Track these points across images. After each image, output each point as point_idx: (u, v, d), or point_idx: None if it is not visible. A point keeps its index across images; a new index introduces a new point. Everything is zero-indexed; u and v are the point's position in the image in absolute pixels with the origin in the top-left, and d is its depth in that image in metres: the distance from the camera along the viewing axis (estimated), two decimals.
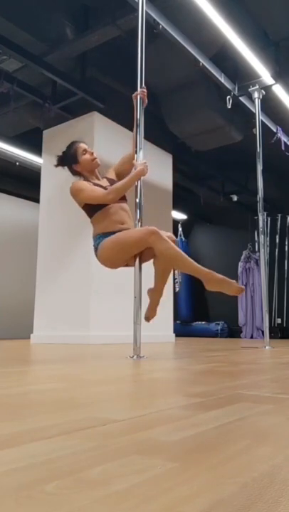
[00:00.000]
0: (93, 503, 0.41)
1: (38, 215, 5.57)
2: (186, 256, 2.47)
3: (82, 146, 2.72)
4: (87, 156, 2.69)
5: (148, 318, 2.62)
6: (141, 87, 2.82)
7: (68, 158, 2.71)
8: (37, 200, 5.84)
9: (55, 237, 5.26)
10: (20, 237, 7.86)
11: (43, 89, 4.96)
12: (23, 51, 4.14)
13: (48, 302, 5.17)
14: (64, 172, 5.73)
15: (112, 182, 2.70)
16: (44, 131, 5.62)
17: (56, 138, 5.50)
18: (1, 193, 7.69)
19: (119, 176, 2.79)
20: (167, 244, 2.40)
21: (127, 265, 2.63)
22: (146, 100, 2.82)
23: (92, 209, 2.61)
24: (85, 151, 2.70)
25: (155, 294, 2.62)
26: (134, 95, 2.83)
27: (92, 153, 2.71)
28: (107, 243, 2.51)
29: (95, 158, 2.70)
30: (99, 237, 2.57)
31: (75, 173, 2.74)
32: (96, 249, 2.59)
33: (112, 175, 2.81)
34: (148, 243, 2.42)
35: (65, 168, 2.77)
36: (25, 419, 0.80)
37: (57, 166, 2.77)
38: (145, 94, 2.80)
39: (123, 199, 2.68)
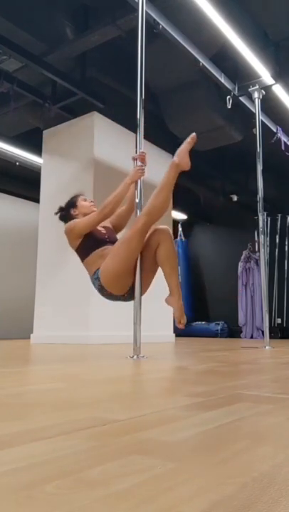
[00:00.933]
0: (93, 503, 0.41)
1: (38, 215, 5.57)
2: (159, 187, 2.52)
3: (83, 196, 2.84)
4: (86, 202, 2.77)
5: (180, 323, 2.50)
6: (140, 151, 2.74)
7: (68, 204, 2.79)
8: (37, 200, 5.83)
9: (55, 237, 5.26)
10: (20, 237, 7.86)
11: (43, 89, 4.96)
12: (23, 51, 4.14)
13: (48, 302, 5.17)
14: (64, 173, 5.74)
15: (107, 229, 2.71)
16: (44, 131, 5.62)
17: (56, 138, 5.51)
18: (1, 193, 7.69)
19: (116, 227, 2.82)
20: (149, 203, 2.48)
21: (131, 289, 2.54)
22: (146, 162, 2.75)
23: (86, 250, 2.58)
24: (84, 199, 2.80)
25: (173, 299, 2.51)
26: (133, 157, 2.76)
27: (91, 201, 2.81)
28: (108, 260, 2.48)
29: (93, 205, 2.77)
30: (96, 271, 2.53)
31: (71, 219, 2.75)
32: (98, 280, 2.51)
33: (107, 224, 2.80)
34: (143, 225, 2.42)
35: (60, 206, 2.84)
36: (25, 419, 0.80)
37: (57, 213, 2.81)
38: (144, 157, 2.74)
39: None
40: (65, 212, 2.76)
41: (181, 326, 2.50)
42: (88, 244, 2.58)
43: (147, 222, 2.44)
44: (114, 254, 2.47)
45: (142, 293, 2.58)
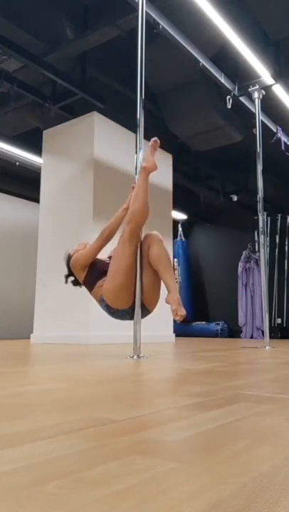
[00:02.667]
0: (93, 503, 0.41)
1: (38, 215, 5.57)
2: (134, 193, 2.58)
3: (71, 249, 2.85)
4: (77, 247, 2.79)
5: (177, 315, 2.43)
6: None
7: (68, 263, 2.76)
8: (37, 200, 5.83)
9: (55, 237, 5.26)
10: (20, 237, 7.86)
11: (43, 89, 4.96)
12: (23, 51, 4.14)
13: (48, 302, 5.17)
14: (64, 173, 5.74)
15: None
16: (44, 131, 5.62)
17: (56, 138, 5.51)
18: (1, 193, 7.69)
19: None
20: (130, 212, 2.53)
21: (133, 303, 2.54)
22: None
23: (91, 282, 2.60)
24: (72, 249, 2.81)
25: (170, 295, 2.48)
26: (132, 186, 2.76)
27: (79, 244, 2.83)
28: (108, 278, 2.50)
29: (84, 243, 2.81)
30: (101, 295, 2.56)
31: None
32: (103, 300, 2.54)
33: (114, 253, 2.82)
34: (129, 232, 2.46)
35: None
36: (25, 419, 0.80)
37: (66, 282, 2.79)
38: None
39: None
40: (71, 272, 2.75)
41: (178, 319, 2.44)
42: (93, 276, 2.60)
43: (132, 228, 2.48)
44: (111, 270, 2.51)
45: (150, 309, 2.57)
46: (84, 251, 2.65)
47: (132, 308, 2.54)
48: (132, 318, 2.57)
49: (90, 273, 2.61)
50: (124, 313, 2.57)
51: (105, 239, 2.63)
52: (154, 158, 2.71)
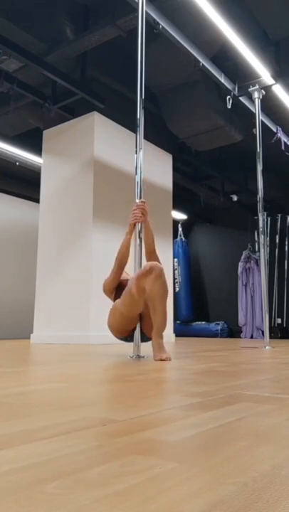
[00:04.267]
0: (93, 503, 0.41)
1: (38, 215, 5.57)
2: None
3: None
4: None
5: (163, 360, 2.29)
6: (140, 200, 2.65)
7: None
8: (37, 200, 5.83)
9: (55, 237, 5.26)
10: (20, 237, 7.86)
11: (43, 89, 4.96)
12: (23, 51, 4.14)
13: (48, 302, 5.17)
14: (64, 173, 5.73)
15: None
16: (44, 131, 5.63)
17: (56, 138, 5.51)
18: (1, 193, 7.69)
19: None
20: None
21: (133, 330, 2.54)
22: (147, 210, 2.65)
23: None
24: None
25: (153, 339, 2.40)
26: (133, 209, 2.66)
27: None
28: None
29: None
30: None
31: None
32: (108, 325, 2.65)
33: None
34: (141, 280, 2.37)
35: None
36: (25, 419, 0.80)
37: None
38: (144, 207, 2.63)
39: None
40: None
41: (157, 360, 2.30)
42: (117, 279, 2.66)
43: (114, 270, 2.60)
44: (121, 298, 2.54)
45: (150, 336, 2.53)
46: (107, 278, 2.70)
47: (130, 336, 2.58)
48: (131, 341, 2.61)
49: (115, 296, 2.64)
50: (123, 339, 2.65)
51: (119, 266, 2.62)
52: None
